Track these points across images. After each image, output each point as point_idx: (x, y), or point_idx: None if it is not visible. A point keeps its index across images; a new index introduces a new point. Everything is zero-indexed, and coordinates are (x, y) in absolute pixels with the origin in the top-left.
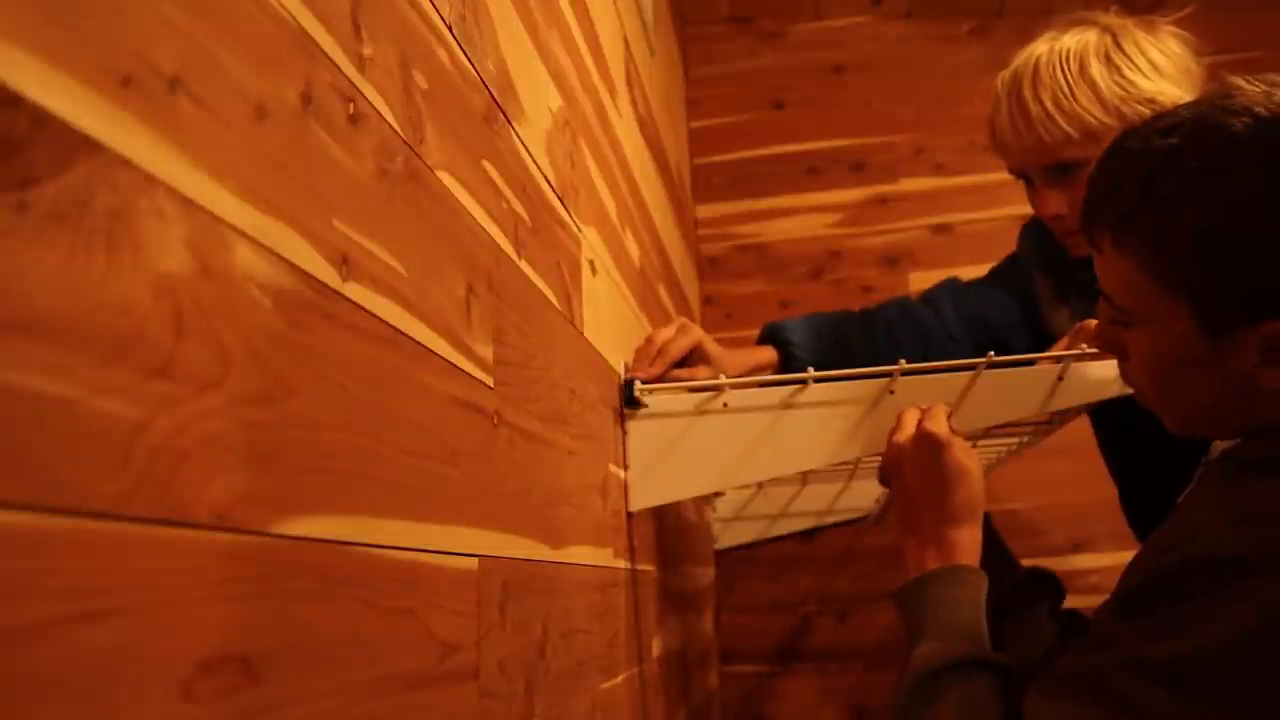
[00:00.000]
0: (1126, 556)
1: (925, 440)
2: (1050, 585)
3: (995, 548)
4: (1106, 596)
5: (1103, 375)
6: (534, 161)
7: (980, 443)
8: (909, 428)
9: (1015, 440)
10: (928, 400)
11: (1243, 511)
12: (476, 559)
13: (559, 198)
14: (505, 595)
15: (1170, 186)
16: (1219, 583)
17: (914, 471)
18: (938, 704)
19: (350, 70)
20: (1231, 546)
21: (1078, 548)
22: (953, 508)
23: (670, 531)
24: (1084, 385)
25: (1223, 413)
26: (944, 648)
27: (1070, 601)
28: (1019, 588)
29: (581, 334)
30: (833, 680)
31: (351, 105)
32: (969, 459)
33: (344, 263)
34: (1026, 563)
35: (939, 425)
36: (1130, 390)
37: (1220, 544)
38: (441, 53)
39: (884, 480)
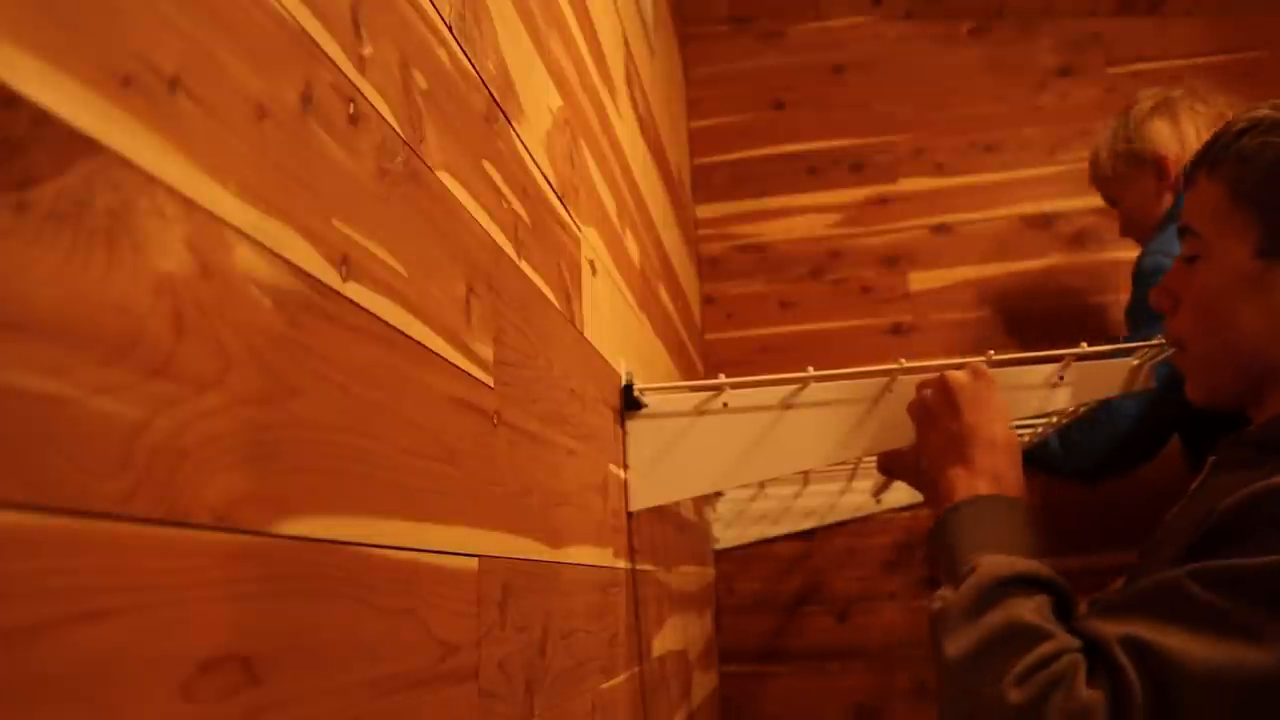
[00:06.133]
0: (1124, 557)
1: (982, 377)
2: None
3: None
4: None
5: (1102, 375)
6: (534, 161)
7: None
8: (961, 372)
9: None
10: None
11: None
12: (476, 559)
13: (559, 198)
14: (505, 595)
15: (1269, 124)
16: None
17: (970, 403)
18: (1011, 604)
19: (350, 70)
20: None
21: (1077, 548)
22: (1006, 444)
23: (670, 531)
24: (1084, 385)
25: (1252, 359)
26: (1012, 560)
27: None
28: None
29: (581, 334)
30: (833, 680)
31: (351, 105)
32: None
33: (344, 263)
34: None
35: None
36: (1130, 389)
37: (1273, 486)
38: (441, 53)
39: (885, 469)
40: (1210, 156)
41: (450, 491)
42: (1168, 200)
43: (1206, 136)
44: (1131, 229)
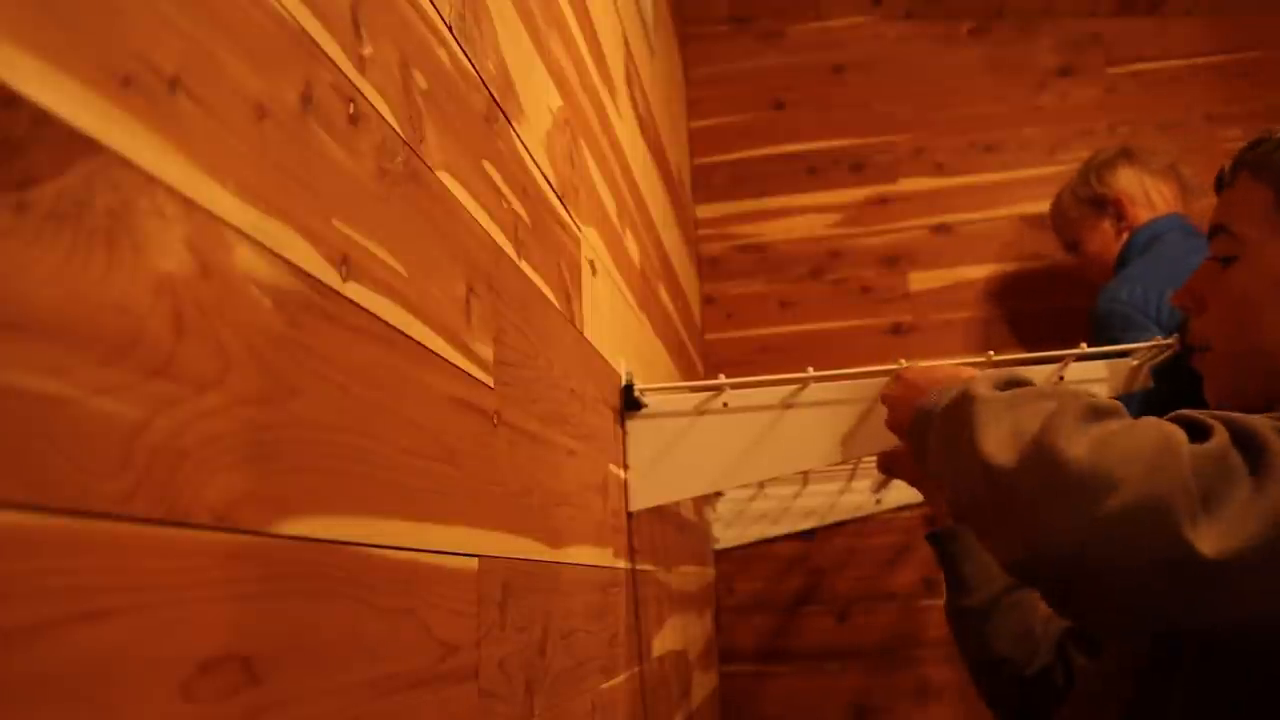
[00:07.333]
0: None
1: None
2: None
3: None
4: None
5: (1102, 375)
6: (534, 161)
7: None
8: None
9: None
10: None
11: None
12: (476, 559)
13: (559, 198)
14: (505, 595)
15: None
16: None
17: (924, 369)
18: (1073, 399)
19: (350, 70)
20: None
21: None
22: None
23: (670, 531)
24: (1083, 385)
25: (1277, 361)
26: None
27: None
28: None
29: (581, 334)
30: (833, 680)
31: (351, 105)
32: None
33: (344, 263)
34: None
35: None
36: (1130, 389)
37: None
38: (441, 53)
39: (885, 469)
40: (1254, 159)
41: (450, 491)
42: (1124, 239)
43: (1160, 183)
44: (1091, 271)
